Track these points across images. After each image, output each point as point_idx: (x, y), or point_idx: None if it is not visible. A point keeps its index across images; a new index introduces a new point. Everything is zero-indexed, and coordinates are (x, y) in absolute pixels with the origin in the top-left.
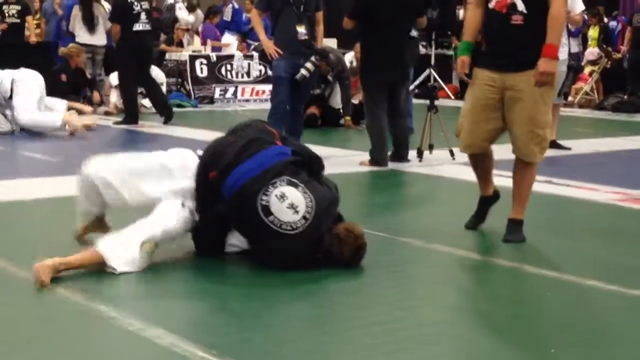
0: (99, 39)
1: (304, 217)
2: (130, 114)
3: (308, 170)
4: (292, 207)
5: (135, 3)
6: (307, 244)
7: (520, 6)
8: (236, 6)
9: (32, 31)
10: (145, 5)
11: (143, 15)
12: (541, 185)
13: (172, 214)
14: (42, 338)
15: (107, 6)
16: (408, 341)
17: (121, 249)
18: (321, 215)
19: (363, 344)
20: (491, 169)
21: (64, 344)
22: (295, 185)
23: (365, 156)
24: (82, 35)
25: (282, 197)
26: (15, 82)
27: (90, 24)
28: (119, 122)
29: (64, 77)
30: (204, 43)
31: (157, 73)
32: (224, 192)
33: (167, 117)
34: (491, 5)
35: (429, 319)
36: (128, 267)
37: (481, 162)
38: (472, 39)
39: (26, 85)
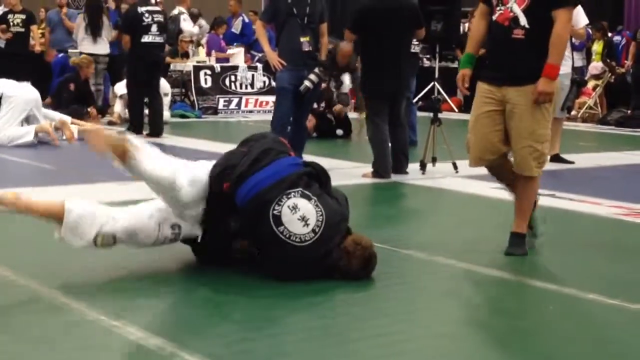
0: (101, 48)
1: (313, 231)
2: (135, 124)
3: (318, 182)
4: (303, 219)
5: (146, 15)
6: (314, 257)
7: (523, 20)
8: (247, 20)
9: (37, 40)
10: (158, 17)
11: (154, 28)
12: (544, 199)
13: (143, 219)
14: (42, 347)
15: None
16: (411, 354)
17: (80, 224)
18: (331, 230)
19: (365, 356)
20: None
21: (64, 354)
22: (308, 198)
23: (368, 168)
24: (85, 45)
25: (295, 208)
26: (3, 97)
27: (95, 33)
28: (122, 133)
29: (72, 87)
30: (209, 54)
31: (163, 84)
32: (238, 200)
33: (154, 133)
34: (495, 17)
35: (432, 331)
36: (73, 243)
37: (501, 174)
38: (475, 51)
39: (11, 104)
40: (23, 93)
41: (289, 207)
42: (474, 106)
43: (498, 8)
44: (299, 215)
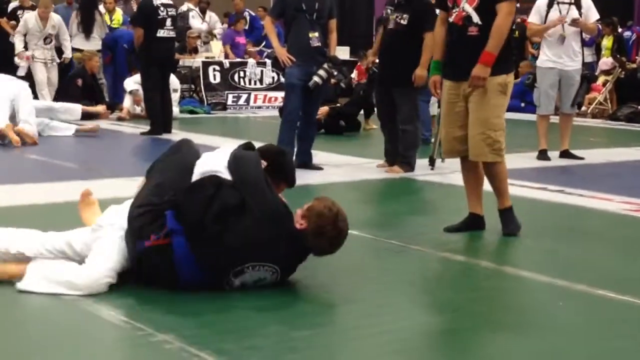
0: (93, 45)
1: (273, 274)
2: (156, 124)
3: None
4: (257, 281)
5: (162, 8)
6: (294, 269)
7: (475, 18)
8: (252, 13)
9: None
10: (172, 11)
11: (168, 22)
12: (554, 195)
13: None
14: (52, 344)
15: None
16: (416, 351)
17: (42, 283)
18: (280, 263)
19: (369, 354)
20: (481, 184)
21: (73, 350)
22: (242, 273)
23: (376, 163)
24: (77, 41)
25: (244, 284)
26: None
27: (87, 30)
28: (145, 133)
29: (79, 82)
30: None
31: (172, 80)
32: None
33: (152, 131)
34: (451, 19)
35: (438, 327)
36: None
37: (470, 172)
38: (441, 57)
39: None
40: (5, 86)
41: (237, 286)
42: (442, 102)
43: (453, 10)
44: (251, 283)
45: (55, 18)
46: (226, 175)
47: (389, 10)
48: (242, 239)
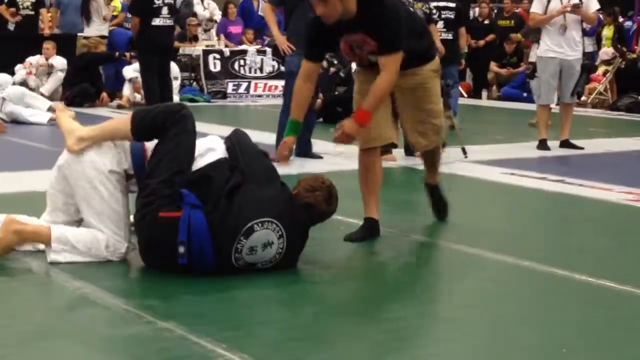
0: (93, 31)
1: (279, 238)
2: None
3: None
4: (265, 245)
5: None
6: (300, 243)
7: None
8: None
9: (46, 23)
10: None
11: (165, 10)
12: (554, 185)
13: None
14: (51, 331)
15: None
16: (421, 338)
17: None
18: (284, 221)
19: (375, 340)
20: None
21: (73, 337)
22: (252, 231)
23: None
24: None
25: (252, 249)
26: None
27: (86, 17)
28: None
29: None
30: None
31: (172, 68)
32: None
33: None
34: (355, 66)
35: (443, 316)
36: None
37: (376, 166)
38: (300, 118)
39: None
40: None
41: (247, 254)
42: (363, 89)
43: (356, 56)
44: (260, 248)
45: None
46: (222, 152)
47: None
48: (247, 198)
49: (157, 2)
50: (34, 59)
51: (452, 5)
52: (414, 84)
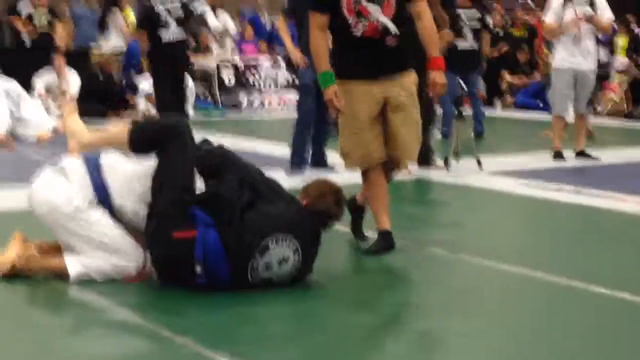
0: (110, 44)
1: (294, 253)
2: None
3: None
4: (281, 262)
5: (163, 11)
6: (314, 252)
7: (393, 29)
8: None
9: (61, 37)
10: (178, 13)
11: (172, 25)
12: (570, 196)
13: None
14: (68, 346)
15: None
16: (437, 352)
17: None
18: (298, 234)
19: (392, 354)
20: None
21: (90, 352)
22: (266, 249)
23: None
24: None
25: (268, 266)
26: None
27: (103, 30)
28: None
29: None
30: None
31: (185, 80)
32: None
33: None
34: (359, 32)
35: (459, 329)
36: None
37: (382, 182)
38: (329, 67)
39: None
40: None
41: (263, 270)
42: (356, 108)
43: (361, 23)
44: (275, 266)
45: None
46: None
47: None
48: (259, 215)
49: (163, 17)
50: (46, 83)
51: (478, 15)
52: (406, 94)
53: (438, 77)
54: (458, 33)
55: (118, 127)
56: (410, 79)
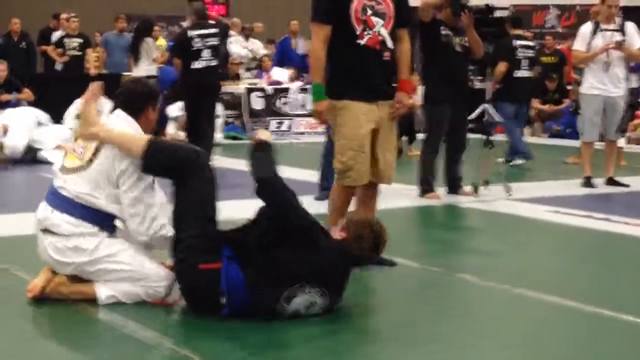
0: (140, 71)
1: (322, 296)
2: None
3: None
4: (308, 307)
5: (197, 39)
6: (343, 288)
7: (390, 43)
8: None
9: (92, 63)
10: (211, 41)
11: (205, 53)
12: (598, 223)
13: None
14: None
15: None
16: None
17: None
18: (326, 282)
19: None
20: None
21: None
22: (293, 296)
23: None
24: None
25: (295, 311)
26: None
27: (135, 56)
28: None
29: None
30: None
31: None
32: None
33: None
34: (363, 41)
35: (486, 357)
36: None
37: (371, 200)
38: (323, 80)
39: None
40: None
41: (289, 313)
42: (354, 125)
43: (366, 33)
44: (303, 309)
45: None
46: None
47: (449, 34)
48: (288, 260)
49: (196, 45)
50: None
51: (532, 44)
52: (389, 116)
53: (405, 98)
54: (516, 62)
55: (136, 137)
56: (391, 105)
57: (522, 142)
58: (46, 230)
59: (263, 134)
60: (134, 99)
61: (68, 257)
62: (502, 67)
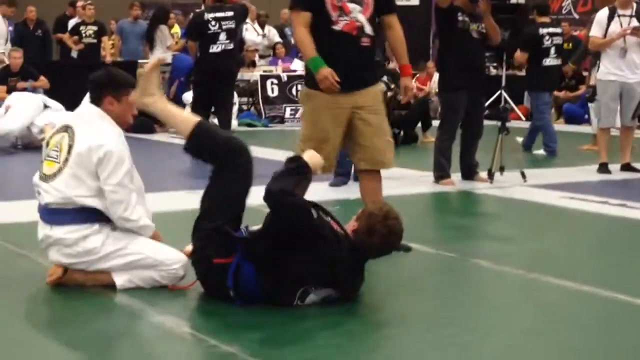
0: (155, 58)
1: (336, 289)
2: None
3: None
4: (324, 299)
5: (213, 22)
6: (359, 283)
7: (369, 29)
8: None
9: (108, 51)
10: (228, 24)
11: (222, 36)
12: (615, 209)
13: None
14: (118, 355)
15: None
16: None
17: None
18: (341, 281)
19: None
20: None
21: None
22: (307, 294)
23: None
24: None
25: (312, 303)
26: None
27: (150, 44)
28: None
29: None
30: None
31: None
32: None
33: None
34: (339, 27)
35: (501, 343)
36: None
37: (373, 183)
38: (316, 53)
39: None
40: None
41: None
42: (319, 116)
43: (342, 18)
44: (319, 302)
45: None
46: None
47: (466, 20)
48: (301, 262)
49: (212, 28)
50: None
51: (560, 30)
52: (373, 102)
53: (409, 82)
54: (544, 50)
55: (186, 117)
56: (378, 89)
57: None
58: (51, 245)
59: (312, 157)
60: (92, 88)
61: (79, 258)
62: (521, 56)
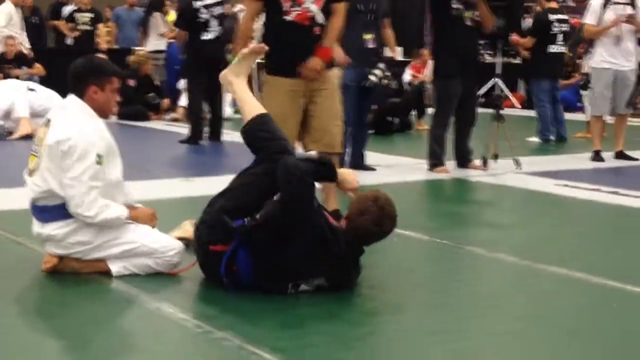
0: (151, 45)
1: (328, 280)
2: (195, 131)
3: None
4: (317, 288)
5: (203, 10)
6: (354, 275)
7: (321, 19)
8: None
9: (103, 38)
10: (218, 10)
11: (213, 23)
12: (607, 196)
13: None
14: (112, 340)
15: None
16: (472, 352)
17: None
18: (333, 273)
19: (425, 354)
20: None
21: (134, 345)
22: (299, 286)
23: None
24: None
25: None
26: None
27: (145, 31)
28: (183, 141)
29: (131, 83)
30: None
31: None
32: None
33: (212, 137)
34: (291, 17)
35: (494, 329)
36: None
37: None
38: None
39: None
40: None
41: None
42: (277, 101)
43: (294, 9)
44: (315, 287)
45: None
46: None
47: (460, 7)
48: (294, 261)
49: (203, 15)
50: None
51: (566, 17)
52: (328, 86)
53: (316, 63)
54: (551, 37)
55: (254, 106)
56: (331, 73)
57: (552, 122)
58: (45, 241)
59: (345, 174)
60: (74, 80)
61: (74, 249)
62: (528, 42)
